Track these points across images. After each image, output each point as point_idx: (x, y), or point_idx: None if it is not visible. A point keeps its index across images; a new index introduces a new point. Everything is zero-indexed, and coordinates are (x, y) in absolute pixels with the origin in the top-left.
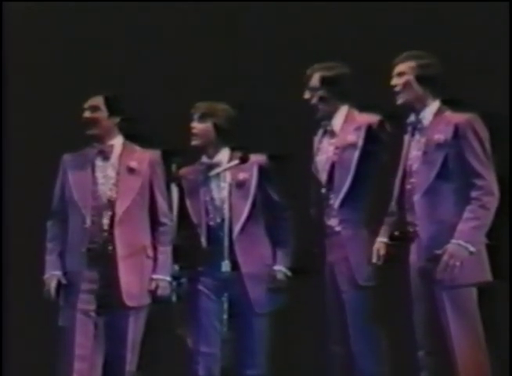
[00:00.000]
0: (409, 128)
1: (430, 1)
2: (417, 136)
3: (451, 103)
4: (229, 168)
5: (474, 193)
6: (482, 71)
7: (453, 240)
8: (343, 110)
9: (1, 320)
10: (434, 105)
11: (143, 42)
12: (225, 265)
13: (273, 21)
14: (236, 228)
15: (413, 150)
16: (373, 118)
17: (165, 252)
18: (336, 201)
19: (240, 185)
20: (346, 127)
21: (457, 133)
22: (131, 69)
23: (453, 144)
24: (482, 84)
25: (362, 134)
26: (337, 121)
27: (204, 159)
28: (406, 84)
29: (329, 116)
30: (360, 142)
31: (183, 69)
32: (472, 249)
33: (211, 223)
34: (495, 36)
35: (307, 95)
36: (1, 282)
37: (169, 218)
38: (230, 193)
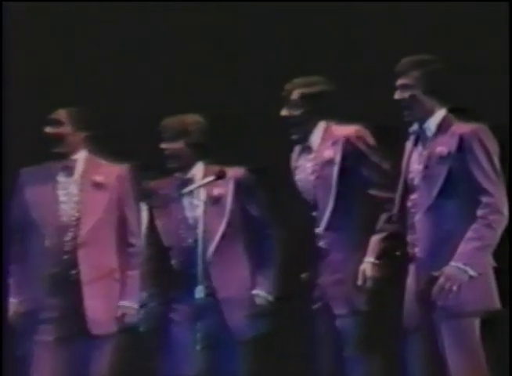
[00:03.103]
0: (412, 138)
1: (430, 1)
2: (419, 148)
3: (458, 111)
4: (205, 185)
5: (479, 212)
6: (482, 72)
7: (452, 262)
8: (321, 126)
9: None
10: (439, 114)
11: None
12: (199, 291)
13: (249, 36)
14: (211, 248)
15: (415, 163)
16: (349, 130)
17: (133, 276)
18: (322, 223)
19: (215, 201)
20: (323, 142)
21: (462, 145)
22: (104, 81)
23: (458, 157)
24: (482, 84)
25: (339, 148)
26: (315, 137)
27: (177, 173)
28: (414, 100)
29: (308, 132)
30: (338, 158)
31: (156, 81)
32: (472, 273)
33: (184, 244)
34: (495, 36)
35: (285, 111)
36: None
37: (139, 239)
38: (204, 211)
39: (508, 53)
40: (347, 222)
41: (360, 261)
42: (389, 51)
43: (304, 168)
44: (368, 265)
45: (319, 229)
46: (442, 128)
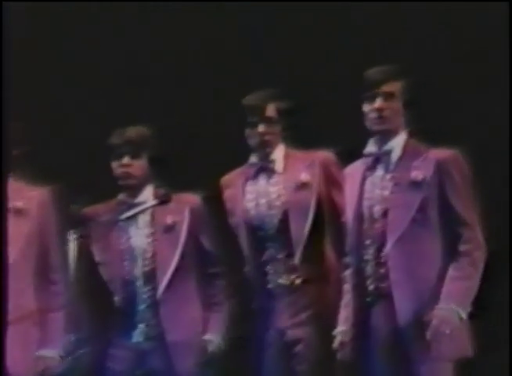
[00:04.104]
0: (368, 161)
1: (430, 1)
2: (380, 172)
3: (419, 133)
4: (144, 210)
5: (462, 247)
6: (482, 72)
7: (443, 304)
8: (281, 147)
9: None
10: (402, 135)
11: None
12: (143, 332)
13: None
14: (162, 283)
15: (375, 189)
16: (324, 154)
17: (56, 319)
18: (296, 254)
19: (168, 230)
20: (293, 164)
21: (439, 171)
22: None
23: (434, 184)
24: (482, 84)
25: (317, 171)
26: (277, 157)
27: (123, 197)
28: (394, 112)
29: (269, 153)
30: (315, 181)
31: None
32: (463, 315)
33: (128, 278)
34: (495, 36)
35: (262, 128)
36: None
37: (63, 275)
38: (154, 240)
39: (508, 53)
40: (322, 251)
41: (331, 297)
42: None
43: (265, 193)
44: (345, 334)
45: (288, 263)
46: (408, 150)
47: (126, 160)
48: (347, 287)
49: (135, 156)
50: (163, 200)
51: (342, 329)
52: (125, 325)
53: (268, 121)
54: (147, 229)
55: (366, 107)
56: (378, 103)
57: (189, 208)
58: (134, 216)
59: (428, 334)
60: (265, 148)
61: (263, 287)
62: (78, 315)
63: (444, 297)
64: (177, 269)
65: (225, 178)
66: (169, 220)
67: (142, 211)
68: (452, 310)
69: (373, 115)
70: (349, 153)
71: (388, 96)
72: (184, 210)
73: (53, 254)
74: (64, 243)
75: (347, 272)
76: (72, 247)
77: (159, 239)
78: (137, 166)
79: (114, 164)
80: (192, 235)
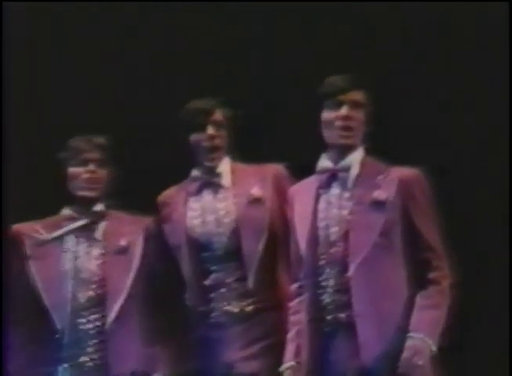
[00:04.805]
0: (322, 177)
1: (429, 1)
2: (336, 190)
3: (374, 151)
4: (73, 229)
5: (430, 275)
6: (482, 72)
7: (414, 333)
8: (227, 158)
9: None
10: (359, 151)
11: None
12: (64, 370)
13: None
14: (112, 312)
15: (332, 208)
16: (274, 167)
17: None
18: (249, 277)
19: (121, 252)
20: (241, 178)
21: (402, 191)
22: None
23: (397, 204)
24: (482, 84)
25: (270, 185)
26: (224, 170)
27: (67, 212)
28: (360, 123)
29: (215, 167)
30: (268, 197)
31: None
32: (434, 348)
33: (74, 304)
34: (495, 36)
35: (211, 130)
36: None
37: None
38: (105, 262)
39: (508, 53)
40: (277, 275)
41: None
42: None
43: (212, 209)
44: (291, 370)
45: (237, 288)
46: (367, 168)
47: (92, 167)
48: (296, 318)
49: (102, 165)
50: (93, 221)
51: (291, 364)
52: (69, 359)
53: (216, 124)
54: (97, 250)
55: (329, 115)
56: (345, 110)
57: (144, 230)
58: (60, 237)
59: (400, 367)
60: (215, 153)
61: (207, 316)
62: (14, 344)
63: (413, 327)
64: (129, 297)
65: (163, 196)
66: (123, 241)
67: (72, 230)
68: (423, 340)
69: (338, 124)
70: (300, 168)
71: (354, 105)
72: (139, 231)
73: None
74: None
75: (297, 301)
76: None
77: (110, 261)
78: (102, 176)
79: (77, 170)
80: (146, 259)
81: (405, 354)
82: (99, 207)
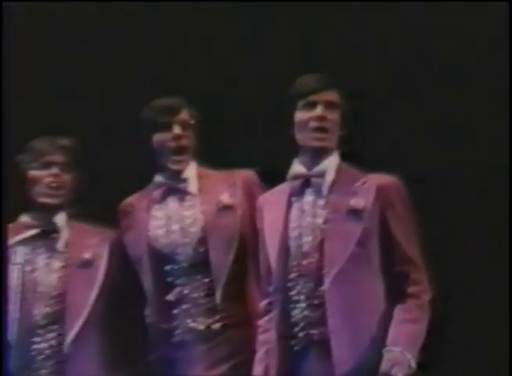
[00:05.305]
0: (294, 184)
1: (429, 1)
2: (309, 197)
3: (351, 156)
4: (30, 239)
5: (410, 289)
6: (482, 72)
7: (392, 347)
8: (193, 163)
9: None
10: (335, 156)
11: None
12: None
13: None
14: (71, 331)
15: (305, 217)
16: (244, 173)
17: None
18: (217, 291)
19: (84, 265)
20: (209, 184)
21: (380, 199)
22: None
23: (375, 213)
24: (482, 84)
25: (240, 192)
26: (190, 176)
27: (26, 219)
28: (336, 125)
29: (180, 172)
30: (239, 204)
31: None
32: (413, 364)
33: (28, 320)
34: (495, 36)
35: (178, 129)
36: None
37: None
38: (66, 276)
39: (508, 53)
40: (246, 289)
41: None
42: None
43: (173, 218)
44: None
45: (203, 303)
46: (342, 174)
47: (55, 170)
48: (265, 337)
49: (66, 170)
50: (45, 230)
51: None
52: None
53: (183, 123)
54: (57, 262)
55: (303, 116)
56: (320, 110)
57: (109, 242)
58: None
59: None
60: (181, 156)
61: (170, 334)
62: None
63: (391, 341)
64: (90, 315)
65: (124, 204)
66: (87, 254)
67: (26, 239)
68: (402, 353)
69: (313, 125)
70: (272, 174)
71: (329, 106)
72: (104, 244)
73: None
74: None
75: (267, 319)
76: None
77: (72, 275)
78: (66, 180)
79: (39, 174)
80: (111, 273)
81: (384, 366)
82: (60, 216)
